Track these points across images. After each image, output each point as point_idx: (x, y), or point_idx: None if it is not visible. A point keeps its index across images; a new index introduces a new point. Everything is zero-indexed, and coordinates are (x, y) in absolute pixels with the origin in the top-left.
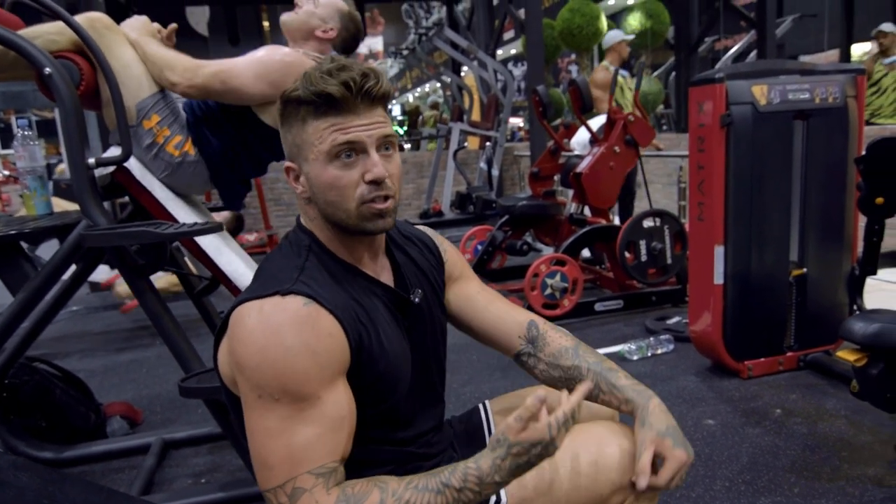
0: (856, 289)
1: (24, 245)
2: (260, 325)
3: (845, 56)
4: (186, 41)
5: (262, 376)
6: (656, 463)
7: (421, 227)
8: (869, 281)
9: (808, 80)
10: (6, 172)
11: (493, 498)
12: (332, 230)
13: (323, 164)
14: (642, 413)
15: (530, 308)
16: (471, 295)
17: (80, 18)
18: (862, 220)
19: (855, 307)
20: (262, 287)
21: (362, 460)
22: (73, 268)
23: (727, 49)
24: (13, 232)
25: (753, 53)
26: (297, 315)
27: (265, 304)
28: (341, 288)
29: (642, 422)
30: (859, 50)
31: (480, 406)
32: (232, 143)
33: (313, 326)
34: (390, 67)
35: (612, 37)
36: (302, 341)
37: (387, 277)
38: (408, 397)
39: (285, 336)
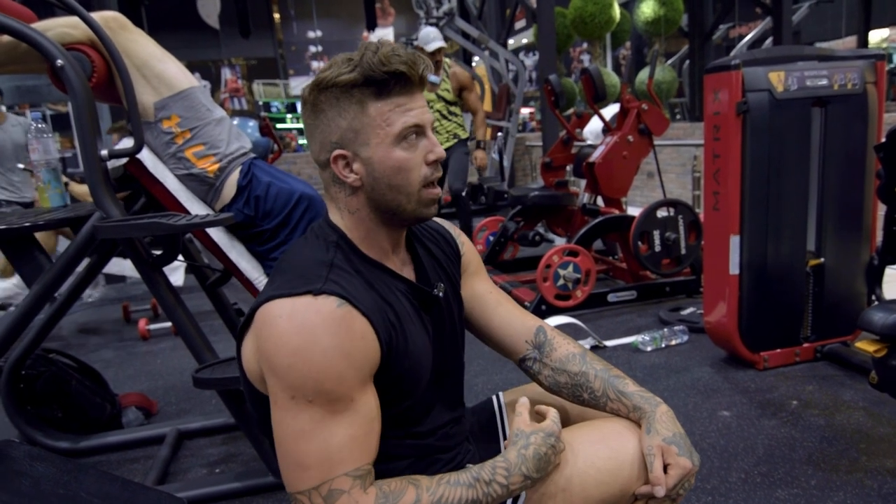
0: (875, 279)
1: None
2: (293, 327)
3: (863, 43)
4: (197, 33)
5: (297, 378)
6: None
7: (438, 220)
8: (888, 271)
9: (827, 66)
10: (21, 166)
11: None
12: (371, 222)
13: (389, 147)
14: (649, 420)
15: (543, 299)
16: (482, 293)
17: (95, 17)
18: (881, 209)
19: (874, 297)
20: (291, 284)
21: (383, 455)
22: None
23: (742, 37)
24: (28, 224)
25: (769, 41)
26: (332, 317)
27: (297, 304)
28: (370, 287)
29: (648, 429)
30: (877, 36)
31: (494, 398)
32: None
33: (348, 329)
34: None
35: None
36: (336, 343)
37: (408, 272)
38: (427, 392)
39: (320, 338)
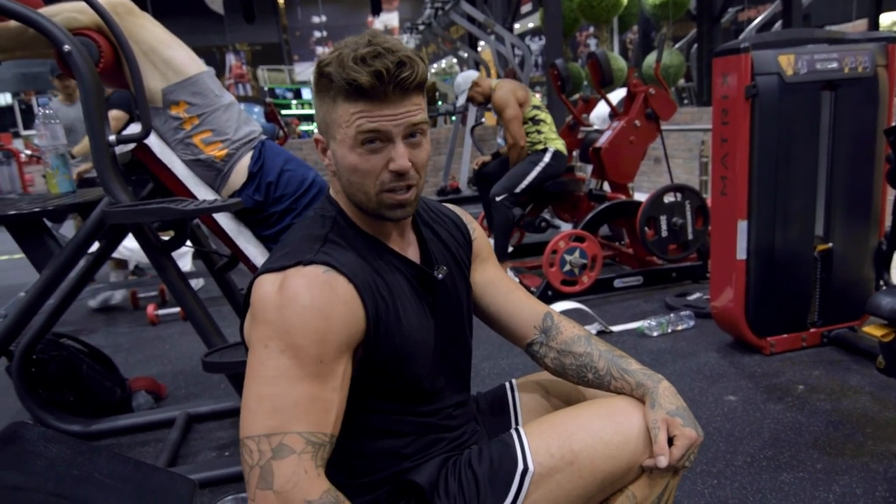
0: (883, 264)
1: (48, 223)
2: (279, 288)
3: (874, 26)
4: (201, 19)
5: (275, 330)
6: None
7: (450, 206)
8: None
9: (837, 50)
10: (29, 152)
11: (521, 467)
12: (354, 205)
13: (348, 147)
14: (652, 395)
15: (549, 285)
16: (493, 280)
17: (102, 2)
18: (890, 194)
19: (882, 282)
20: (285, 257)
21: (383, 430)
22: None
23: (751, 20)
24: (37, 209)
25: (778, 24)
26: (317, 280)
27: (286, 274)
28: (363, 260)
29: (652, 404)
30: (888, 19)
31: (507, 384)
32: None
33: (330, 291)
34: (406, 43)
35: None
36: (317, 304)
37: (413, 253)
38: (430, 373)
39: (301, 297)
